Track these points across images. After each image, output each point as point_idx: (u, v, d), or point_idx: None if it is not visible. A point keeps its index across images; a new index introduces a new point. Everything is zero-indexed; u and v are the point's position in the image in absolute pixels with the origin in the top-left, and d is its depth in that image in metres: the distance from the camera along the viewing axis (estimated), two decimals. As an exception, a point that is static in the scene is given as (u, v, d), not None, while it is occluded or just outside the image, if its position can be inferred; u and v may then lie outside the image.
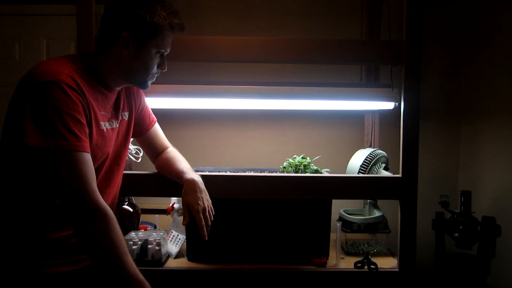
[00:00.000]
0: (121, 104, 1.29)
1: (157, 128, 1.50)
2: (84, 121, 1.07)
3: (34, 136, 0.99)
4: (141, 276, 1.08)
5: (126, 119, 1.32)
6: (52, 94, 1.02)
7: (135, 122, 1.38)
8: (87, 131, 1.08)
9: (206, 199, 1.34)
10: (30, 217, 1.09)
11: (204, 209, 1.31)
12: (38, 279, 1.08)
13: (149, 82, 1.26)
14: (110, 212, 1.07)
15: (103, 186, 1.22)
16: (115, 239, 1.05)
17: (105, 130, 1.18)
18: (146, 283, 1.08)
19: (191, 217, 1.30)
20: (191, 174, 1.37)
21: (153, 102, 1.64)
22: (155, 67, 1.23)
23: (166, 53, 1.25)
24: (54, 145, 1.00)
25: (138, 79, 1.23)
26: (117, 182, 1.32)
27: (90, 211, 1.04)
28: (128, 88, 1.34)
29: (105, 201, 1.09)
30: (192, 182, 1.33)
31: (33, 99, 1.01)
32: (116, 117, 1.26)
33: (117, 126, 1.27)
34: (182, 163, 1.42)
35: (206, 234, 1.29)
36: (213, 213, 1.36)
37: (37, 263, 1.09)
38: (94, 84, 1.15)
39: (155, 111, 1.52)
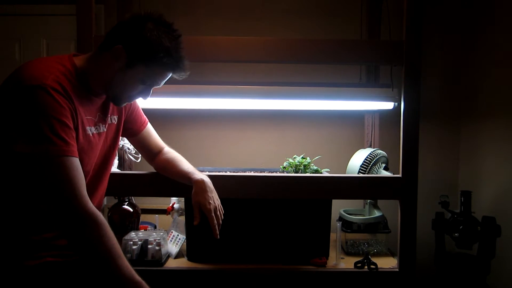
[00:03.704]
0: (110, 107, 1.27)
1: (150, 129, 1.49)
2: (71, 125, 1.06)
3: (22, 142, 0.98)
4: (137, 278, 1.07)
5: (115, 123, 1.31)
6: (39, 99, 1.00)
7: (127, 124, 1.38)
8: (74, 135, 1.07)
9: (216, 198, 1.37)
10: (17, 220, 1.08)
11: (215, 208, 1.34)
12: (25, 268, 1.07)
13: (124, 103, 1.23)
14: (101, 216, 1.05)
15: (91, 190, 1.20)
16: (108, 244, 1.04)
17: (91, 135, 1.17)
18: (144, 283, 1.07)
19: (201, 217, 1.32)
20: (199, 174, 1.39)
21: (153, 102, 1.64)
22: (135, 92, 1.20)
23: (155, 86, 1.22)
24: (43, 150, 0.99)
25: (114, 93, 1.18)
26: (104, 185, 1.31)
27: (80, 217, 1.02)
28: None
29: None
30: (202, 182, 1.36)
31: (20, 104, 1.00)
32: (104, 121, 1.25)
33: (105, 130, 1.25)
34: (186, 164, 1.44)
35: (218, 232, 1.32)
36: (223, 211, 1.39)
37: (23, 257, 1.08)
38: (80, 88, 1.13)
39: (155, 111, 1.52)
